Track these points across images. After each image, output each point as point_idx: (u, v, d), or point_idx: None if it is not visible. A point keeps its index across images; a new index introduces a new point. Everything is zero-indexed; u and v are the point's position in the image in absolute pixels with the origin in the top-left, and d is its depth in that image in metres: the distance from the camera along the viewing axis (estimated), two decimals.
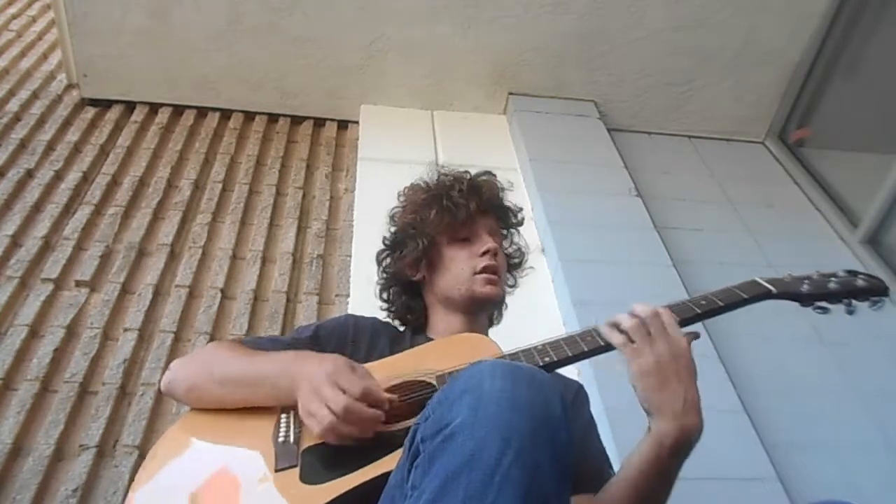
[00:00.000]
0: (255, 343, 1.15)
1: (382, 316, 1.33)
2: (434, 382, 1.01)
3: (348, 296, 2.13)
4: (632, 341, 0.93)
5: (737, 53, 2.93)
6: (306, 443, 0.95)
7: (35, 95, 2.83)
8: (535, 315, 2.01)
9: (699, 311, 1.01)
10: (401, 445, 0.85)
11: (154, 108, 2.87)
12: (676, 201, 2.68)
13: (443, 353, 1.04)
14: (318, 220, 2.46)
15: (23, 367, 1.79)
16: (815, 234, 2.69)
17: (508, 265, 1.36)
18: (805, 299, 1.05)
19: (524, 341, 1.04)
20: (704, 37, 2.87)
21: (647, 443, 0.90)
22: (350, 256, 2.26)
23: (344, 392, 0.91)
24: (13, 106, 2.72)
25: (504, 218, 1.36)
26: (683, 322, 0.98)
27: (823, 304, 1.05)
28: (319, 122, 2.97)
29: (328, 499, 0.87)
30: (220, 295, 2.10)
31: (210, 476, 0.94)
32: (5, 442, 1.60)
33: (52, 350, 1.82)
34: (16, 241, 2.15)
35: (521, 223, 1.39)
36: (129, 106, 2.85)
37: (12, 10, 3.46)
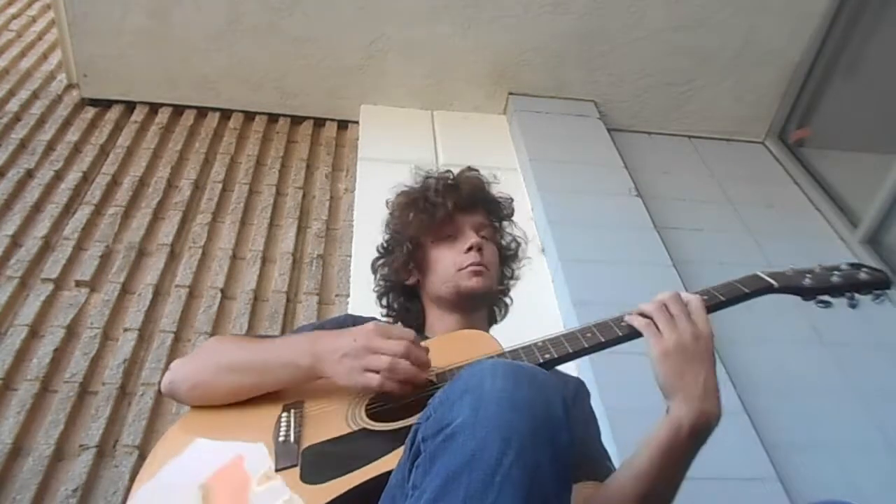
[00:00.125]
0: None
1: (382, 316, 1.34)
2: (434, 379, 1.01)
3: (348, 296, 2.13)
4: (655, 325, 0.92)
5: (737, 53, 2.93)
6: (306, 442, 0.95)
7: (35, 95, 2.82)
8: (534, 315, 2.01)
9: None
10: (405, 438, 0.85)
11: (154, 108, 2.87)
12: (676, 201, 2.68)
13: (442, 350, 1.04)
14: (318, 220, 2.46)
15: (23, 367, 1.79)
16: (815, 234, 2.69)
17: (504, 257, 1.35)
18: (807, 293, 1.03)
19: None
20: (704, 37, 2.87)
21: (664, 426, 0.87)
22: (350, 256, 2.27)
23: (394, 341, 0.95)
24: (13, 106, 2.72)
25: (492, 211, 1.34)
26: None
27: (826, 297, 1.03)
28: (319, 122, 2.97)
29: (328, 498, 0.87)
30: (220, 295, 2.10)
31: (220, 467, 0.95)
32: (5, 442, 1.60)
33: (52, 350, 1.83)
34: (16, 241, 2.15)
35: (511, 213, 1.37)
36: (129, 106, 2.85)
37: (12, 10, 3.46)
